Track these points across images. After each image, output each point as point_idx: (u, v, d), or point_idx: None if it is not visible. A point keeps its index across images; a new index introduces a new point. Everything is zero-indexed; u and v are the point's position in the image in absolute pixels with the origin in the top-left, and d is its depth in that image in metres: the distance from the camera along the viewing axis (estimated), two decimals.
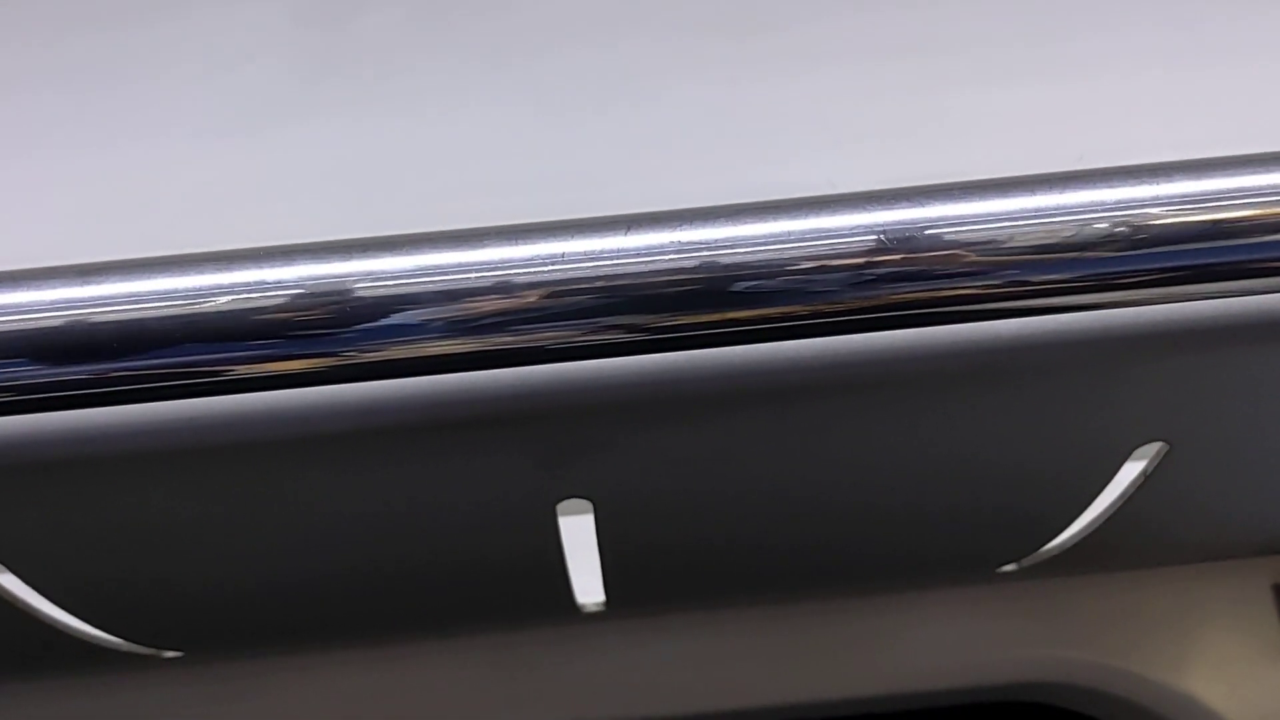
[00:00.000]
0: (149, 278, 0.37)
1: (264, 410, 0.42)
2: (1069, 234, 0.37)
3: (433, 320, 0.36)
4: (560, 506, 0.52)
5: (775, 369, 0.43)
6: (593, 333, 0.37)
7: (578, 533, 0.56)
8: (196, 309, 0.36)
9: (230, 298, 0.35)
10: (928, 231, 0.36)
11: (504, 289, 0.35)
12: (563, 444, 0.47)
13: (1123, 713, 0.79)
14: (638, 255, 0.36)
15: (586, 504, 0.52)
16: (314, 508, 0.51)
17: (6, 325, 0.36)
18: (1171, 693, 0.76)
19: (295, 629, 0.69)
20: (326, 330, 0.36)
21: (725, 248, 0.36)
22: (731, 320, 0.37)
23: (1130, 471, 0.54)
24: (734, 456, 0.50)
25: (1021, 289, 0.37)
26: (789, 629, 0.76)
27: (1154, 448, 0.52)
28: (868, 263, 0.37)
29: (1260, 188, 0.37)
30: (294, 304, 0.36)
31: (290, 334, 0.36)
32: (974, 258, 0.37)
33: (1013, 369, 0.44)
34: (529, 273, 0.35)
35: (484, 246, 0.35)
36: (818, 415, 0.47)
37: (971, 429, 0.49)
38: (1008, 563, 0.68)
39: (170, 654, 0.70)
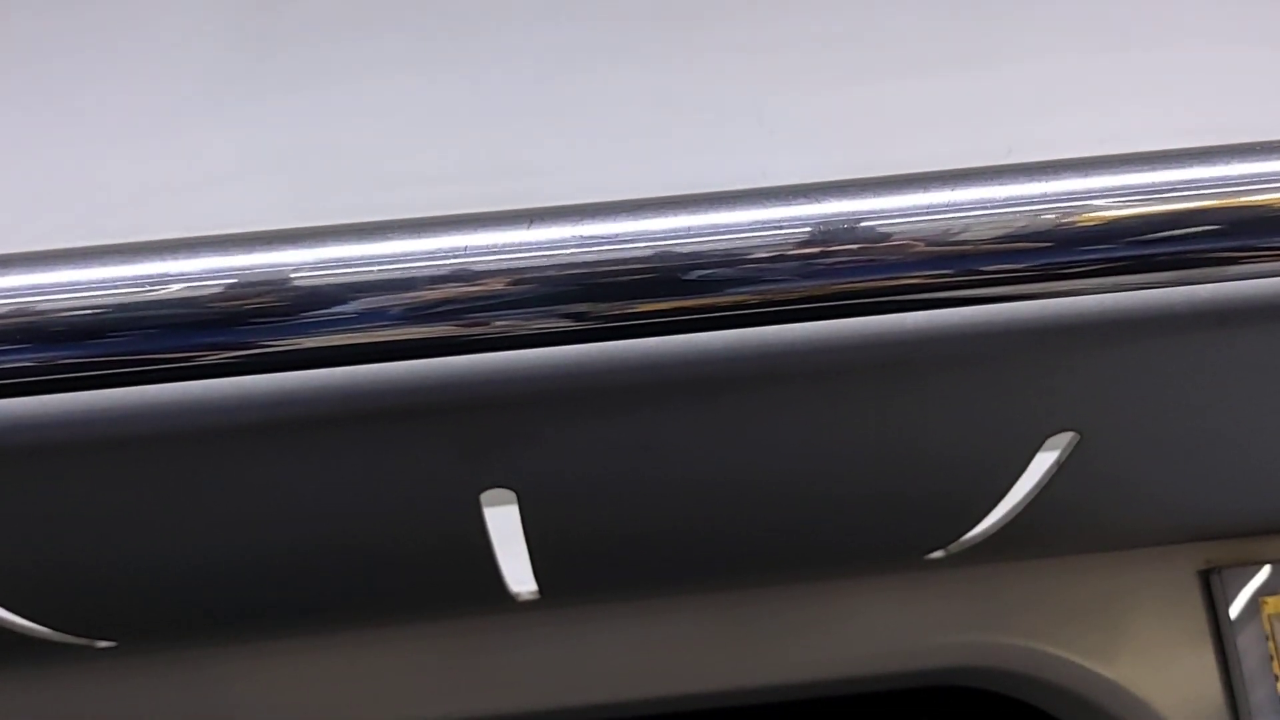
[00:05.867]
0: (59, 269, 0.37)
1: (181, 401, 0.42)
2: (996, 228, 0.37)
3: (345, 313, 0.36)
4: (486, 496, 0.52)
5: (697, 360, 0.43)
6: (509, 323, 0.37)
7: (506, 522, 0.56)
8: (108, 300, 0.36)
9: (126, 292, 0.36)
10: (862, 224, 0.37)
11: (407, 284, 0.35)
12: (483, 435, 0.47)
13: (1051, 697, 0.80)
14: (543, 249, 0.36)
15: (512, 494, 0.52)
16: (239, 497, 0.51)
17: None
18: (1098, 677, 0.78)
19: (228, 618, 0.69)
20: (235, 323, 0.36)
21: (627, 241, 0.36)
22: (641, 313, 0.37)
23: (1045, 461, 0.55)
24: (657, 447, 0.51)
25: (942, 281, 0.38)
26: (723, 617, 0.77)
27: (1066, 437, 0.53)
28: (786, 255, 0.37)
29: (1167, 183, 0.37)
30: (203, 298, 0.36)
31: (205, 324, 0.36)
32: (894, 250, 0.37)
33: (923, 361, 0.45)
34: (431, 266, 0.35)
35: (387, 239, 0.35)
36: (741, 405, 0.48)
37: (887, 418, 0.50)
38: (935, 549, 0.69)
39: (103, 644, 0.69)
